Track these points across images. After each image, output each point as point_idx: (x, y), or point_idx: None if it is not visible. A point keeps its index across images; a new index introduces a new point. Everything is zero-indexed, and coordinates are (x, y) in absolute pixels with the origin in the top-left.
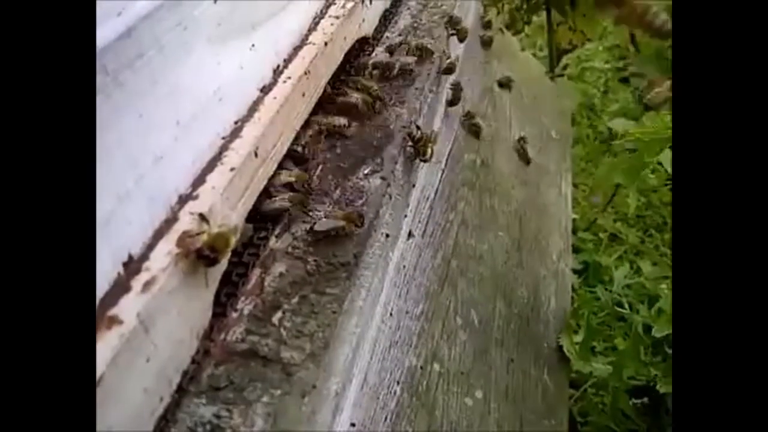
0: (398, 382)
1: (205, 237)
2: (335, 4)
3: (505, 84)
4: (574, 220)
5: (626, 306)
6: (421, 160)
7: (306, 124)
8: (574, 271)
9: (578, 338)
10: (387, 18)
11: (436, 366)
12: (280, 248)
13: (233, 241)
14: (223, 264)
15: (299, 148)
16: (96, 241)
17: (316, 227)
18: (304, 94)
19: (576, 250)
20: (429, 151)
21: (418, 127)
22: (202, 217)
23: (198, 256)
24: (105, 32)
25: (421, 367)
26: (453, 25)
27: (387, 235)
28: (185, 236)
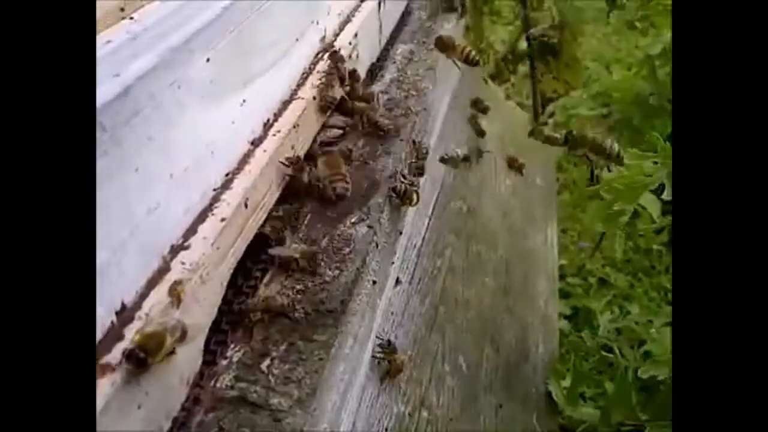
0: (387, 429)
1: (137, 336)
2: (323, 60)
3: (480, 109)
4: (563, 265)
5: (616, 350)
6: (408, 206)
7: None
8: (565, 317)
9: (566, 383)
10: (373, 72)
11: (425, 413)
12: (269, 296)
13: (169, 342)
14: (213, 312)
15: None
16: (96, 291)
17: None
18: (293, 147)
19: (566, 295)
20: (414, 198)
21: (403, 178)
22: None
23: (127, 356)
24: (103, 92)
25: (410, 414)
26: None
27: (374, 282)
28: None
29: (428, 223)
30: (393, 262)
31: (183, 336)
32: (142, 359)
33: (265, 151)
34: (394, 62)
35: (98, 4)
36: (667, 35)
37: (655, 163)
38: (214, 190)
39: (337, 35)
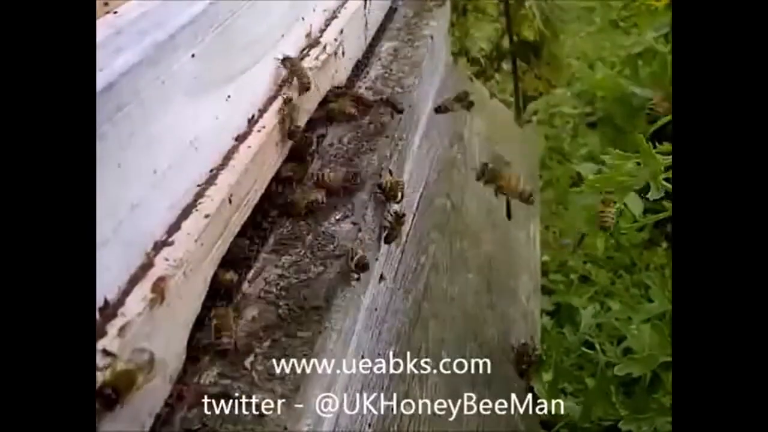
0: (370, 425)
1: (107, 374)
2: (309, 56)
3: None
4: (545, 261)
5: (597, 346)
6: (394, 203)
7: None
8: (547, 313)
9: (547, 378)
10: (359, 68)
11: (408, 408)
12: (253, 293)
13: (141, 379)
14: (197, 308)
15: None
16: (96, 290)
17: None
18: (277, 143)
19: (548, 291)
20: (399, 195)
21: (390, 172)
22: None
23: (97, 394)
24: None
25: (393, 409)
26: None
27: (358, 279)
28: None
29: (412, 220)
30: (377, 259)
31: (151, 369)
32: (113, 400)
33: (249, 146)
34: (380, 59)
35: None
36: (650, 35)
37: (638, 163)
38: (198, 186)
39: (322, 32)
